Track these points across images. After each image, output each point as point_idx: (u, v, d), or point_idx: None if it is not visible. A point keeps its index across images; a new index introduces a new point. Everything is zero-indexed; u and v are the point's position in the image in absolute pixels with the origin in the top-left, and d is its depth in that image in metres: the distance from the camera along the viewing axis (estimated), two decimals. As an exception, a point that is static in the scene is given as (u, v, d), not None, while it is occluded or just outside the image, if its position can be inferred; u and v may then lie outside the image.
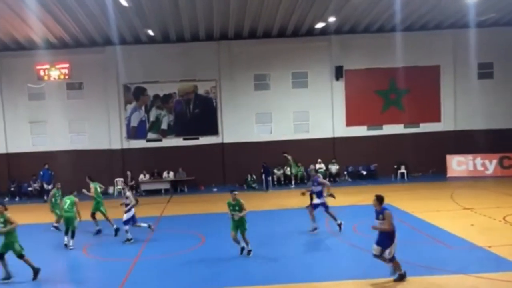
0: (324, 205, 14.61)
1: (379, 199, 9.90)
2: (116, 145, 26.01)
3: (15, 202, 23.61)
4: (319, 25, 24.61)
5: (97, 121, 26.04)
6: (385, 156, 26.27)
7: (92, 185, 16.66)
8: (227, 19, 23.46)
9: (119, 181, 25.36)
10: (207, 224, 16.85)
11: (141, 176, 25.19)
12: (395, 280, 9.77)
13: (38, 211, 20.70)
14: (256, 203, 20.70)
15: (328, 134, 26.78)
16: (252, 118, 26.68)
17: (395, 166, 26.32)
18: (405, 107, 26.92)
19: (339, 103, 26.74)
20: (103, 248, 14.26)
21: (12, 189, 24.93)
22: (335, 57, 26.42)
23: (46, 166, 23.86)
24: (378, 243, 9.81)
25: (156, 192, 24.86)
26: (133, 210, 14.63)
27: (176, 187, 25.33)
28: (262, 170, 24.74)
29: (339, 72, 26.33)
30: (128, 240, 14.42)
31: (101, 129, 26.01)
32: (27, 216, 19.27)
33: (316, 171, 19.26)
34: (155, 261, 12.48)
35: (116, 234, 15.33)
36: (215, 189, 25.16)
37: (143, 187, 24.96)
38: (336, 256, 12.18)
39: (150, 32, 24.17)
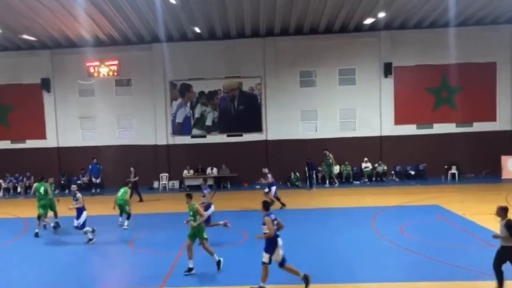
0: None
1: (264, 205, 9.93)
2: (162, 141, 26.64)
3: (65, 195, 24.60)
4: (368, 20, 24.19)
5: (144, 117, 26.76)
6: (435, 156, 25.52)
7: (37, 185, 16.44)
8: (274, 15, 23.50)
9: (164, 176, 25.97)
10: (249, 221, 16.87)
11: (185, 171, 25.69)
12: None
13: (87, 204, 21.52)
14: (300, 201, 20.73)
15: (376, 133, 26.30)
16: (297, 115, 26.59)
17: (446, 167, 25.49)
18: (457, 105, 26.03)
19: (387, 100, 26.19)
20: (148, 242, 14.63)
21: (62, 182, 26.07)
22: (384, 54, 25.89)
23: (95, 160, 24.75)
24: (265, 249, 9.72)
25: (200, 187, 25.17)
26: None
27: (219, 183, 25.64)
28: (306, 167, 24.63)
29: (388, 69, 25.80)
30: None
31: (147, 125, 26.72)
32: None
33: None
34: (199, 255, 12.67)
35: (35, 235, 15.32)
36: (258, 186, 25.24)
37: (187, 182, 25.43)
38: (381, 257, 11.95)
39: (197, 29, 24.58)
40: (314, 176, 24.76)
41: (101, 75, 26.36)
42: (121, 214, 16.64)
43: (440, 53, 25.43)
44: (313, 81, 26.64)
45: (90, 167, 24.91)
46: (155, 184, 26.13)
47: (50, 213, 16.52)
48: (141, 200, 21.80)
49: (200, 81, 26.56)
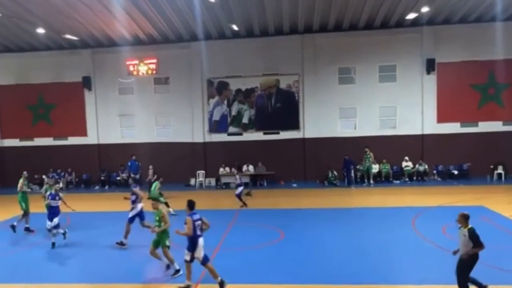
0: None
1: (188, 205, 10.03)
2: (199, 138, 26.92)
3: (105, 191, 25.37)
4: (411, 15, 23.60)
5: (181, 115, 27.11)
6: (480, 155, 24.65)
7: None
8: (312, 12, 23.32)
9: (201, 173, 26.24)
10: (286, 219, 16.90)
11: (221, 169, 25.87)
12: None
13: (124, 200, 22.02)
14: (338, 200, 20.49)
15: (417, 131, 25.65)
16: (335, 112, 26.27)
17: (492, 166, 24.59)
18: (504, 103, 25.04)
19: (430, 97, 25.49)
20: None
21: (102, 178, 26.78)
22: (426, 50, 25.21)
23: (134, 157, 25.27)
24: (187, 248, 9.94)
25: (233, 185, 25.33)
26: (138, 206, 14.42)
27: (255, 181, 25.67)
28: (343, 164, 24.36)
29: (430, 65, 25.09)
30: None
31: (184, 122, 27.05)
32: (115, 204, 20.68)
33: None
34: (235, 253, 12.74)
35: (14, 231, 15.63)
36: (294, 185, 25.19)
37: (223, 180, 25.60)
38: (422, 259, 11.64)
39: (235, 27, 24.69)
40: (352, 174, 24.42)
41: (140, 73, 26.95)
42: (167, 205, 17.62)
43: (487, 48, 24.54)
44: (352, 78, 26.25)
45: (129, 163, 25.46)
46: (192, 181, 26.44)
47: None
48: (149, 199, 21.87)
49: (237, 78, 26.66)
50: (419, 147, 25.59)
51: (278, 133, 26.53)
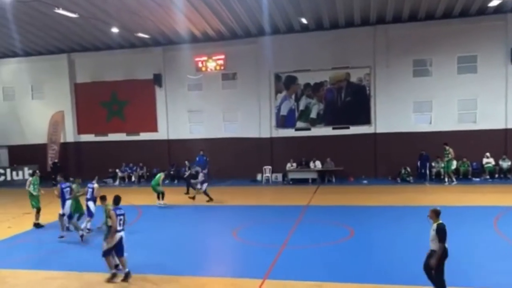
0: None
1: (114, 200, 10.69)
2: (265, 134, 26.88)
3: (174, 185, 26.02)
4: (494, 2, 21.98)
5: (249, 110, 27.20)
6: None
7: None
8: (386, 2, 22.44)
9: (268, 169, 26.19)
10: (356, 217, 16.39)
11: (288, 164, 25.65)
12: (108, 279, 10.28)
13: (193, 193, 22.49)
14: (412, 198, 19.59)
15: (500, 125, 23.93)
16: (409, 106, 25.15)
17: None
18: None
19: (514, 89, 23.71)
20: (251, 233, 14.77)
21: (172, 172, 27.51)
22: (511, 38, 23.46)
23: (201, 153, 25.70)
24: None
25: (303, 181, 25.09)
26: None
27: (323, 177, 25.22)
28: (418, 160, 23.27)
29: (516, 55, 23.35)
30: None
31: (251, 118, 27.12)
32: (183, 198, 21.24)
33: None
34: (302, 250, 12.50)
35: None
36: (365, 181, 24.45)
37: (290, 175, 25.38)
38: (508, 262, 10.74)
39: (303, 20, 24.37)
40: (427, 170, 23.28)
41: (208, 69, 27.37)
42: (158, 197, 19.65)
43: None
44: (428, 70, 25.00)
45: (197, 159, 25.92)
46: (258, 177, 26.47)
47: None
48: (187, 193, 22.13)
49: (306, 73, 26.30)
50: (502, 142, 23.88)
51: (348, 128, 25.86)
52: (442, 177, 23.55)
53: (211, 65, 27.26)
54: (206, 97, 27.93)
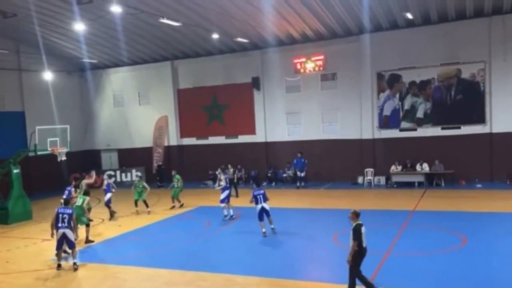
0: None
1: (64, 202, 13.40)
2: (367, 135, 26.16)
3: (271, 187, 26.33)
4: None
5: (349, 111, 26.68)
6: None
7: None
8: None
9: (370, 171, 25.46)
10: (469, 224, 15.35)
11: (393, 167, 24.68)
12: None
13: (292, 196, 22.58)
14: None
15: None
16: (532, 102, 23.02)
17: None
18: None
19: None
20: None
21: (269, 174, 27.87)
22: None
23: (299, 155, 25.74)
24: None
25: (409, 184, 24.01)
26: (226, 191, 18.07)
27: (431, 180, 23.92)
28: None
29: None
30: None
31: (352, 118, 26.57)
32: (283, 200, 21.33)
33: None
34: (408, 257, 12.00)
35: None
36: (479, 185, 22.76)
37: (394, 178, 24.42)
38: None
39: (409, 15, 23.37)
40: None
41: (307, 71, 27.31)
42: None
43: None
44: (553, 61, 22.69)
45: (295, 161, 26.03)
46: (360, 180, 25.82)
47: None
48: (236, 196, 23.08)
49: (411, 70, 25.18)
50: None
51: (459, 127, 24.26)
52: None
53: (309, 66, 27.17)
54: (304, 98, 27.89)
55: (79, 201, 15.52)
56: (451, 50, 24.24)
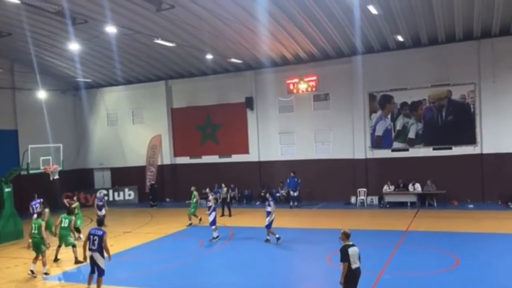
0: None
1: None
2: (360, 155, 26.24)
3: (264, 206, 26.12)
4: None
5: (341, 131, 26.81)
6: None
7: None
8: (491, 14, 21.05)
9: (362, 191, 25.47)
10: (461, 244, 15.35)
11: (385, 187, 24.72)
12: None
13: (285, 215, 22.46)
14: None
15: None
16: (520, 124, 23.23)
17: None
18: None
19: None
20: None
21: (262, 194, 27.71)
22: None
23: (292, 174, 25.73)
24: None
25: (401, 204, 24.03)
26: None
27: (424, 201, 23.96)
28: None
29: None
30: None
31: (345, 138, 26.69)
32: (277, 220, 21.16)
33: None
34: (401, 278, 11.96)
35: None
36: (471, 206, 22.82)
37: (387, 198, 24.45)
38: None
39: (399, 38, 23.69)
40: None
41: (300, 91, 27.51)
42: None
43: None
44: (542, 84, 23.00)
45: (288, 180, 26.00)
46: (352, 200, 25.81)
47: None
48: (229, 215, 24.27)
49: (402, 91, 25.42)
50: None
51: (450, 148, 24.42)
52: None
53: (302, 86, 27.38)
54: (297, 118, 28.03)
55: (65, 222, 15.59)
56: (442, 72, 24.51)
